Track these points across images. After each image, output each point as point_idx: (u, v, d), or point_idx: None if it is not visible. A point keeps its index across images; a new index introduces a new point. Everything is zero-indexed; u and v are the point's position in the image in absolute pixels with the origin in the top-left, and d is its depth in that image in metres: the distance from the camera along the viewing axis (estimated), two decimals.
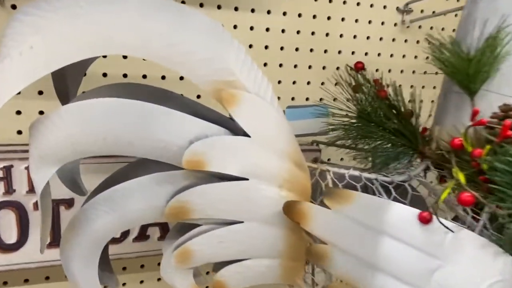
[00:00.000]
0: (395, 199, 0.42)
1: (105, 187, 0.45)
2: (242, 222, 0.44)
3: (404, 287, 0.39)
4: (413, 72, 0.91)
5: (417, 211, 0.38)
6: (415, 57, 0.90)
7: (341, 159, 0.74)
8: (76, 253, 0.44)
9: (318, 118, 0.53)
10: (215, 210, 0.43)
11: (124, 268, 0.73)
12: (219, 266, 0.47)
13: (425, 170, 0.45)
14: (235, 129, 0.42)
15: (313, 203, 0.42)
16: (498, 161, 0.32)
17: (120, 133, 0.40)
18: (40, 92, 0.64)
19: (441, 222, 0.37)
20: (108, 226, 0.44)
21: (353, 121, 0.51)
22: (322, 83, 0.80)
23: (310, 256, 0.41)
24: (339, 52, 0.83)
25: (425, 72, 0.93)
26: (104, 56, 0.66)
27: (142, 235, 0.67)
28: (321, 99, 0.54)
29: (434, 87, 0.88)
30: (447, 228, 0.37)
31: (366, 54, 0.86)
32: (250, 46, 0.74)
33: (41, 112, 0.64)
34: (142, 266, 0.74)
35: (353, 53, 0.85)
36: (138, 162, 0.50)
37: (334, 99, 0.53)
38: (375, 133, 0.47)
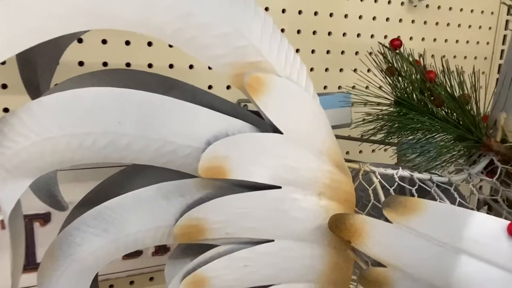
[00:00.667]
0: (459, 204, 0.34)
1: (93, 200, 0.35)
2: (273, 240, 0.35)
3: None
4: (420, 55, 0.85)
5: (505, 223, 0.30)
6: (422, 39, 0.84)
7: (360, 151, 0.66)
8: None
9: (347, 108, 0.45)
10: (238, 228, 0.34)
11: (151, 279, 0.65)
12: None
13: (489, 167, 0.38)
14: (262, 125, 0.33)
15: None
16: None
17: (114, 133, 0.30)
18: (4, 86, 0.53)
19: None
20: (100, 253, 0.35)
21: (391, 109, 0.42)
22: (341, 70, 0.72)
23: (365, 283, 0.33)
24: (344, 34, 0.76)
25: (432, 56, 0.86)
26: (80, 41, 0.56)
27: (162, 248, 0.57)
28: (353, 87, 0.46)
29: None
30: None
31: (372, 36, 0.79)
32: None
33: (5, 110, 0.54)
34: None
35: (358, 35, 0.78)
36: (134, 167, 0.40)
37: (366, 87, 0.45)
38: (424, 123, 0.39)
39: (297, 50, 0.72)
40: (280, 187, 0.33)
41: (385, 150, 0.47)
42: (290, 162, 0.33)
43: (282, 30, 0.69)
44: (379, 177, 0.36)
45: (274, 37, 0.32)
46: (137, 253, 0.58)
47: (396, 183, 0.36)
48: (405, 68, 0.41)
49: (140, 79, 0.36)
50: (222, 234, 0.34)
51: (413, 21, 0.83)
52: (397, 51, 0.43)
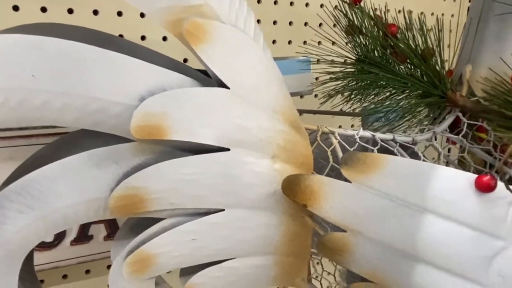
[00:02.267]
0: None
1: (17, 176, 0.30)
2: (223, 210, 0.31)
3: (454, 280, 0.28)
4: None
5: (473, 176, 0.27)
6: (387, 10, 0.82)
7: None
8: None
9: (307, 73, 0.42)
10: (183, 198, 0.30)
11: (64, 277, 0.59)
12: (190, 269, 0.35)
13: (454, 125, 0.35)
14: (206, 80, 0.29)
15: None
16: None
17: (28, 89, 0.25)
18: None
19: (510, 189, 0.26)
20: (26, 232, 0.30)
21: (352, 69, 0.39)
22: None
23: (323, 250, 0.30)
24: (307, 4, 0.73)
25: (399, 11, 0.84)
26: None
27: (83, 235, 0.52)
28: (319, 43, 0.43)
29: None
30: None
31: (335, 7, 0.76)
32: None
33: None
34: (87, 271, 0.60)
35: (321, 5, 0.74)
36: (66, 139, 0.35)
37: (319, 42, 0.41)
38: (386, 79, 0.36)
39: (258, 21, 0.67)
40: (228, 149, 0.30)
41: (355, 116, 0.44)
42: (239, 120, 0.29)
43: None
44: (338, 137, 0.33)
45: None
46: (86, 238, 0.53)
47: (357, 144, 0.33)
48: (366, 24, 0.38)
49: (67, 31, 0.31)
50: (166, 205, 0.30)
51: None
52: (357, 6, 0.39)
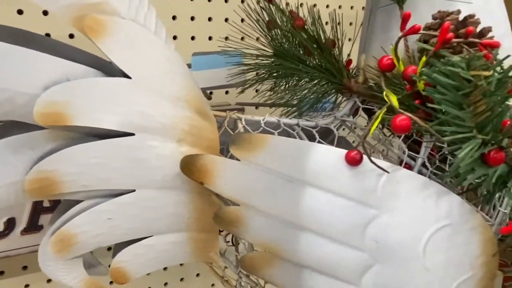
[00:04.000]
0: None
1: None
2: (134, 190, 0.34)
3: (335, 246, 0.31)
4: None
5: (343, 152, 0.30)
6: (301, 4, 0.77)
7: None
8: None
9: (222, 69, 0.44)
10: (94, 180, 0.33)
11: (24, 268, 0.60)
12: (118, 249, 0.38)
13: (354, 110, 0.38)
14: (112, 72, 0.32)
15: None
16: (436, 74, 0.25)
17: None
18: None
19: (372, 161, 0.30)
20: None
21: (269, 61, 0.42)
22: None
23: (220, 223, 0.33)
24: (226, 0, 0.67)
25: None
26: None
27: (33, 225, 0.54)
28: (226, 38, 0.46)
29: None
30: (380, 168, 0.30)
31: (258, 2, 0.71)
32: None
33: None
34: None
35: (243, 1, 0.65)
36: None
37: (242, 38, 0.44)
38: (296, 70, 0.39)
39: (192, 18, 0.62)
40: (133, 134, 0.32)
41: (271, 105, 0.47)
42: (142, 108, 0.32)
43: None
44: (243, 123, 0.36)
45: None
46: (36, 228, 0.55)
47: (262, 128, 0.36)
48: (279, 20, 0.41)
49: None
50: (79, 187, 0.33)
51: None
52: (272, 3, 0.42)
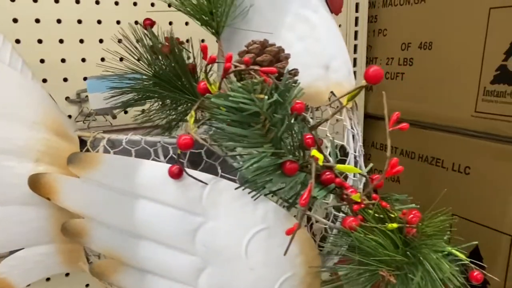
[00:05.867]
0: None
1: None
2: None
3: (170, 252, 0.35)
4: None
5: (167, 166, 0.34)
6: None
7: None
8: None
9: (102, 92, 0.48)
10: None
11: None
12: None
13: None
14: None
15: None
16: (215, 98, 0.29)
17: None
18: None
19: (189, 175, 0.33)
20: None
21: (148, 83, 0.46)
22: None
23: (67, 235, 0.36)
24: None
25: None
26: None
27: None
28: (102, 59, 0.49)
29: None
30: (199, 180, 0.34)
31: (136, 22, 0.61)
32: None
33: None
34: None
35: (118, 22, 0.61)
36: None
37: (121, 59, 0.47)
38: (167, 93, 0.43)
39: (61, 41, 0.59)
40: None
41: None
42: None
43: (38, 21, 0.58)
44: (104, 142, 0.39)
45: None
46: None
47: (122, 146, 0.40)
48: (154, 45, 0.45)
49: None
50: None
51: None
52: (148, 29, 0.46)
